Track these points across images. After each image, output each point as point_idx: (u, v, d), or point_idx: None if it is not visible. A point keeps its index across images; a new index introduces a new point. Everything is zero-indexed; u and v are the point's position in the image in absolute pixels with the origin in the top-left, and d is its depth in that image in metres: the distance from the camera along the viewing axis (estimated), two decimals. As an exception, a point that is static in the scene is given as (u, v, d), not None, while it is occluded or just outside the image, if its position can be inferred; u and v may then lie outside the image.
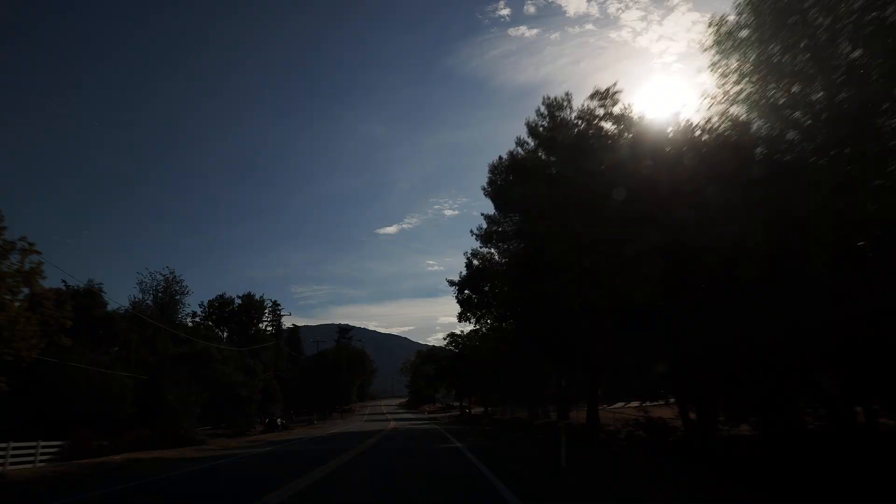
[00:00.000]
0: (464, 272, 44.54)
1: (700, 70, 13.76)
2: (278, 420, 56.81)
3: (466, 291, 44.71)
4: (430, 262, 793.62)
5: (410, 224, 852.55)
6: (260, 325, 79.03)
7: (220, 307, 74.77)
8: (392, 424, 51.40)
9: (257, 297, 79.01)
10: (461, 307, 45.38)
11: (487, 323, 46.80)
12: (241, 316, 75.91)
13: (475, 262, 43.89)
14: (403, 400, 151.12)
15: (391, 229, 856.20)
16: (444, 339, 73.09)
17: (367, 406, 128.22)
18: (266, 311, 79.56)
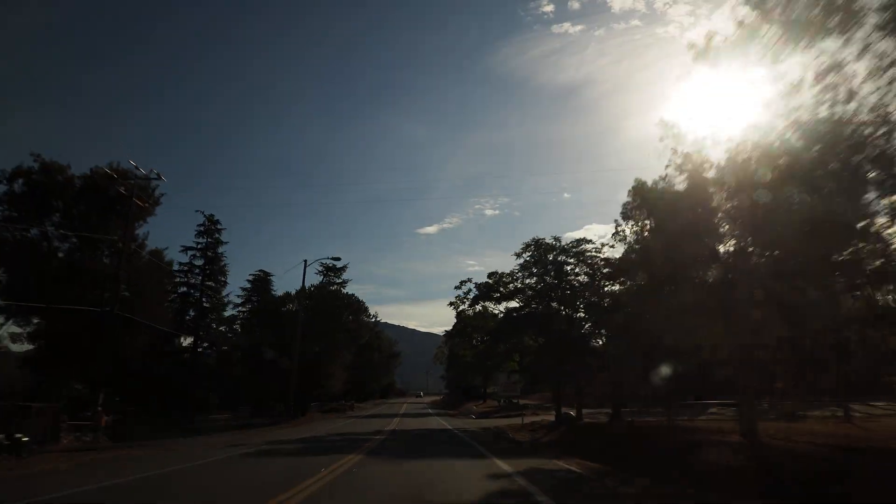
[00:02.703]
0: None
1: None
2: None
3: None
4: (471, 262, 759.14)
5: (451, 224, 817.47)
6: (139, 233, 39.15)
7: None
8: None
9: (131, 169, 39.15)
10: None
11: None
12: (74, 204, 36.02)
13: None
14: (437, 398, 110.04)
15: (431, 229, 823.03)
16: (519, 252, 31.87)
17: (384, 404, 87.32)
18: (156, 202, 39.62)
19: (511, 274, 32.25)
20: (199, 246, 52.87)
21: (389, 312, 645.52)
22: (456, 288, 32.31)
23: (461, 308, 32.21)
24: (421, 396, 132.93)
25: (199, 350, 51.68)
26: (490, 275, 32.74)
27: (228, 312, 56.63)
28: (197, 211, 44.52)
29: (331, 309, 44.16)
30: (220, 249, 53.79)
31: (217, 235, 53.72)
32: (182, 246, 52.34)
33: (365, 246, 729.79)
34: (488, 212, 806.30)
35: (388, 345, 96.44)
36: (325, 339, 43.24)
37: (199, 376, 50.84)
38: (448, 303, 32.34)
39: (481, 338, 32.95)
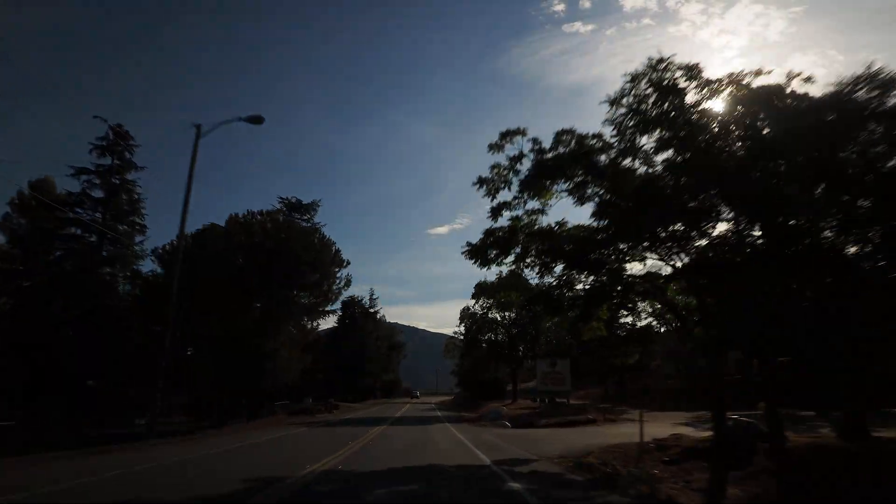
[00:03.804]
0: None
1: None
2: None
3: None
4: (471, 300, 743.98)
5: (462, 224, 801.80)
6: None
7: None
8: None
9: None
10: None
11: None
12: None
13: None
14: (447, 398, 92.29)
15: (442, 230, 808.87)
16: (616, 97, 14.32)
17: (383, 404, 69.96)
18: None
19: (604, 132, 14.77)
20: (98, 169, 36.32)
21: (398, 313, 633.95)
22: (492, 150, 14.80)
23: (497, 199, 14.77)
24: (418, 397, 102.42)
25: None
26: (560, 135, 15.29)
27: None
28: (95, 117, 28.10)
29: (278, 251, 27.01)
30: (132, 176, 37.15)
31: (128, 155, 37.03)
32: (71, 167, 35.67)
33: (373, 246, 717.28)
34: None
35: (388, 332, 79.30)
36: (267, 297, 26.18)
37: (102, 359, 34.22)
38: (475, 181, 14.94)
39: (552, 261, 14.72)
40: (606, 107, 14.55)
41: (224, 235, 27.85)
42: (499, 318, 46.00)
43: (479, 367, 52.31)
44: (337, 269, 30.79)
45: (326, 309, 32.16)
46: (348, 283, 32.21)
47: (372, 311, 70.83)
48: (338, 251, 31.15)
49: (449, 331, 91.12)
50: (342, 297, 31.53)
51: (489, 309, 45.51)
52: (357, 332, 63.98)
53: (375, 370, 71.74)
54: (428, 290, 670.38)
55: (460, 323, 48.23)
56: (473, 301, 47.26)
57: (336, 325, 64.65)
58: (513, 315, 45.18)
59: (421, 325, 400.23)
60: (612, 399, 43.80)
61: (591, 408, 36.67)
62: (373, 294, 72.69)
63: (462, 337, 50.08)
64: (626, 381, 45.00)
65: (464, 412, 43.83)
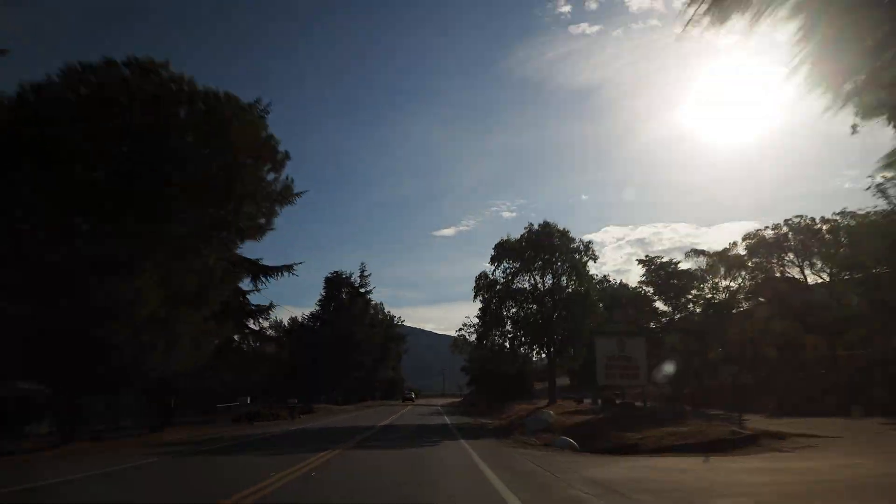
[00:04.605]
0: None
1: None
2: None
3: None
4: (487, 263, 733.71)
5: (468, 226, 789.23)
6: None
7: None
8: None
9: None
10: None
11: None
12: None
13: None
14: (456, 399, 79.13)
15: (448, 231, 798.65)
16: None
17: (378, 406, 57.26)
18: None
19: None
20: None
21: (404, 314, 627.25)
22: None
23: None
24: (412, 398, 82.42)
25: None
26: None
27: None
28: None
29: (151, 125, 14.56)
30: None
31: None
32: None
33: (379, 248, 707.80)
34: (505, 214, 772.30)
35: (385, 320, 66.62)
36: (124, 206, 13.78)
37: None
38: None
39: None
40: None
41: (56, 100, 15.46)
42: (528, 287, 33.43)
43: (497, 357, 39.51)
44: (266, 165, 17.42)
45: (258, 262, 19.04)
46: (288, 195, 18.65)
47: (363, 290, 58.16)
48: (270, 136, 17.74)
49: (456, 332, 75.27)
50: (277, 215, 18.15)
51: (516, 273, 33.03)
52: (343, 314, 51.52)
53: (368, 363, 59.00)
54: (434, 292, 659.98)
55: (475, 297, 35.59)
56: (493, 266, 34.78)
57: (318, 306, 52.38)
58: (549, 280, 32.58)
59: (427, 327, 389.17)
60: (692, 399, 31.28)
61: (671, 411, 24.01)
62: (364, 270, 59.74)
63: (477, 319, 37.01)
64: (707, 377, 32.50)
65: (481, 418, 31.19)
